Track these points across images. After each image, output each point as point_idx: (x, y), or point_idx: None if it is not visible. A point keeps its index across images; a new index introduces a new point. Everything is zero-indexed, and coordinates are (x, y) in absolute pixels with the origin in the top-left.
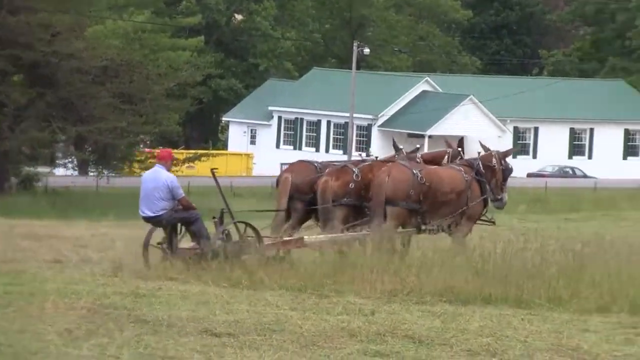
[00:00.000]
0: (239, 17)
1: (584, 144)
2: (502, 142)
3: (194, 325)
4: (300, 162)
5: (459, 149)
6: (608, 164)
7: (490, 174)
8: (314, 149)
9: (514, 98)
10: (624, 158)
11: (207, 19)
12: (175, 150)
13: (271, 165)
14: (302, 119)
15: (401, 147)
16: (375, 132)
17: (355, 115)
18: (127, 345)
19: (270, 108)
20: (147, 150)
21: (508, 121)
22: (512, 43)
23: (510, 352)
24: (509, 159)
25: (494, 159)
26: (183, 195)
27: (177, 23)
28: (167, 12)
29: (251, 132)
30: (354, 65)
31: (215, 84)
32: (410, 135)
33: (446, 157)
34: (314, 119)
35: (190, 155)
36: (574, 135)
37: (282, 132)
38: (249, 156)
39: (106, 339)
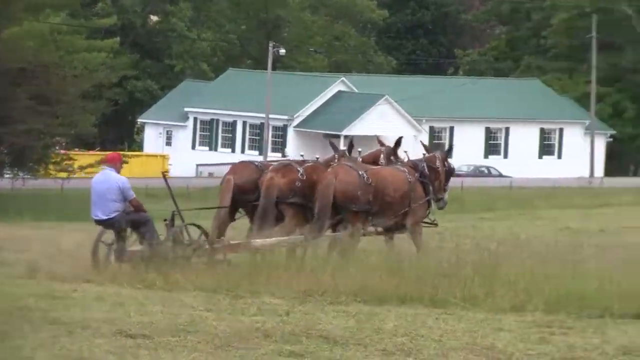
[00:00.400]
0: (154, 18)
1: (500, 143)
2: (418, 141)
3: (108, 327)
4: (242, 162)
5: (391, 147)
6: (524, 163)
7: (434, 175)
8: (229, 150)
9: (430, 98)
10: (540, 157)
11: (122, 20)
12: (91, 152)
13: (187, 166)
14: (217, 120)
15: (344, 148)
16: (291, 133)
17: (271, 115)
18: (42, 347)
19: (185, 109)
20: (62, 152)
21: (424, 121)
22: (428, 43)
23: (424, 351)
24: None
25: (437, 161)
26: (134, 196)
27: (92, 24)
28: (83, 13)
29: (167, 134)
30: (269, 65)
31: (131, 85)
32: (326, 136)
33: (382, 156)
34: (230, 119)
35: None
36: (490, 135)
37: (198, 133)
38: (164, 157)
39: (21, 341)
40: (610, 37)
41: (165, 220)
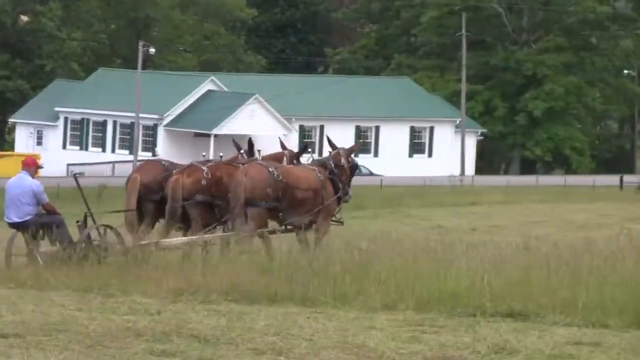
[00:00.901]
0: (24, 18)
1: (370, 142)
2: (288, 140)
3: None
4: (148, 162)
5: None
6: (394, 162)
7: (340, 172)
8: (100, 150)
9: (300, 96)
10: (410, 156)
11: None
12: None
13: (58, 166)
14: (88, 120)
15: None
16: (161, 132)
17: (141, 115)
18: None
19: (56, 109)
20: None
21: (293, 119)
22: (298, 41)
23: (296, 350)
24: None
25: (342, 158)
26: (47, 200)
27: None
28: None
29: (38, 133)
30: (139, 65)
31: (1, 85)
32: (196, 135)
33: (284, 158)
34: (100, 119)
35: None
36: (360, 133)
37: (69, 132)
38: (35, 157)
39: None
40: (481, 35)
41: (77, 222)
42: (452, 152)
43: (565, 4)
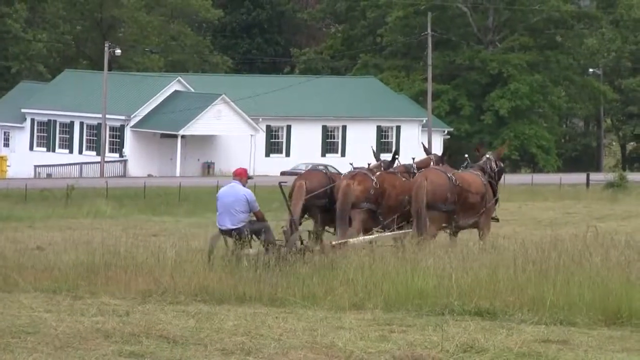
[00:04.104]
0: None
1: (337, 142)
2: (255, 140)
3: None
4: (311, 170)
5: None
6: (361, 161)
7: (497, 176)
8: (67, 151)
9: (266, 97)
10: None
11: None
12: None
13: (25, 167)
14: (55, 121)
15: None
16: (128, 133)
17: (108, 116)
18: None
19: (23, 110)
20: None
21: (260, 120)
22: (264, 42)
23: (264, 350)
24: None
25: (494, 163)
26: (259, 208)
27: None
28: None
29: (4, 135)
30: (105, 66)
31: None
32: (163, 136)
33: (431, 163)
34: (67, 120)
35: None
36: (327, 133)
37: (36, 134)
38: (2, 159)
39: None
40: (446, 34)
41: (283, 227)
42: (418, 151)
43: (530, 3)
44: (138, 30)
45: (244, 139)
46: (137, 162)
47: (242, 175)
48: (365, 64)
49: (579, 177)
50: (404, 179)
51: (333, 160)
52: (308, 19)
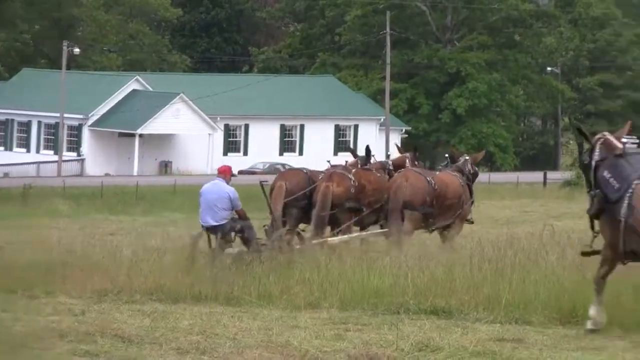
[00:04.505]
0: None
1: (295, 140)
2: (213, 139)
3: None
4: (292, 170)
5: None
6: (319, 160)
7: (472, 178)
8: (24, 150)
9: (224, 96)
10: (335, 154)
11: None
12: None
13: None
14: (12, 120)
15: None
16: (86, 132)
17: (66, 115)
18: None
19: None
20: None
21: (218, 119)
22: (222, 41)
23: (219, 349)
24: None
25: (470, 165)
26: (241, 206)
27: None
28: None
29: None
30: (63, 65)
31: None
32: (121, 135)
33: (407, 160)
34: (25, 119)
35: None
36: (285, 132)
37: None
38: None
39: None
40: (405, 33)
41: (264, 226)
42: (376, 150)
43: (489, 2)
44: (96, 29)
45: (201, 138)
46: (95, 161)
47: (226, 173)
48: (323, 62)
49: (536, 176)
50: (379, 174)
51: (291, 159)
52: (267, 17)
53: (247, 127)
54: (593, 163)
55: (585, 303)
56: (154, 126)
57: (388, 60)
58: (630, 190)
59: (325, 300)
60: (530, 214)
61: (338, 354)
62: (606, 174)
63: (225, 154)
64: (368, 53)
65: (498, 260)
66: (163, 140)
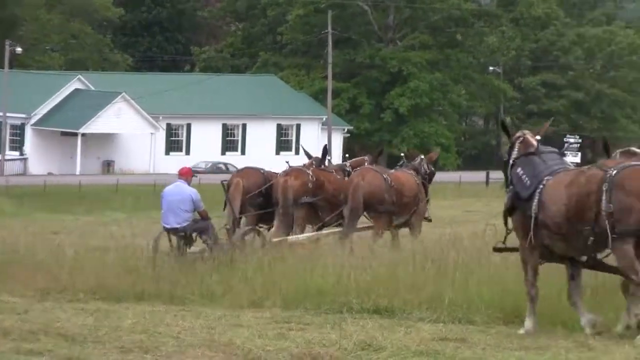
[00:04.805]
0: None
1: (237, 140)
2: (155, 139)
3: None
4: (248, 167)
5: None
6: (261, 159)
7: (428, 177)
8: None
9: (167, 95)
10: (277, 153)
11: None
12: None
13: None
14: None
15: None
16: (28, 131)
17: (8, 114)
18: None
19: None
20: None
21: (160, 118)
22: (164, 40)
23: (162, 348)
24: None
25: (426, 165)
26: (203, 207)
27: None
28: None
29: None
30: (6, 64)
31: None
32: (64, 134)
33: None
34: None
35: None
36: (227, 131)
37: None
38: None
39: None
40: (346, 32)
41: (225, 225)
42: (318, 149)
43: (431, 2)
44: (39, 28)
45: (144, 137)
46: (38, 160)
47: (187, 175)
48: (265, 62)
49: (479, 175)
50: (338, 176)
51: (233, 159)
52: (208, 17)
53: (189, 126)
54: (511, 161)
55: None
56: (96, 125)
57: (330, 60)
58: (541, 187)
59: (268, 300)
60: (473, 214)
61: (281, 353)
62: (519, 171)
63: (167, 153)
64: (310, 52)
65: (441, 259)
66: (105, 139)
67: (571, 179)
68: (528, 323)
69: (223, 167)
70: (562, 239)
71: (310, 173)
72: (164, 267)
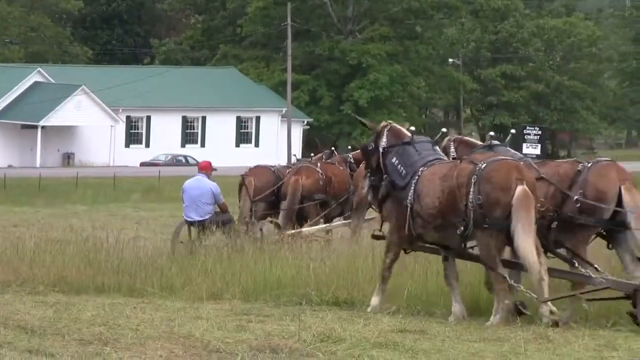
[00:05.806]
0: None
1: (197, 132)
2: (115, 131)
3: None
4: (259, 166)
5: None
6: (221, 152)
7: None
8: None
9: (126, 87)
10: (237, 145)
11: None
12: None
13: None
14: None
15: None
16: None
17: None
18: None
19: None
20: None
21: (120, 110)
22: (124, 32)
23: (122, 340)
24: None
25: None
26: (223, 200)
27: None
28: None
29: None
30: None
31: None
32: (24, 127)
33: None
34: None
35: None
36: (186, 124)
37: None
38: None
39: None
40: (306, 25)
41: (245, 217)
42: (278, 141)
43: None
44: None
45: (104, 130)
46: None
47: (207, 169)
48: (225, 54)
49: None
50: (341, 167)
51: (193, 151)
52: (168, 9)
53: (148, 118)
54: (381, 149)
55: (488, 295)
56: (56, 118)
57: (289, 52)
58: (417, 177)
59: (228, 292)
60: None
61: (240, 345)
62: (394, 160)
63: (127, 145)
64: (269, 45)
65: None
66: (65, 132)
67: (445, 171)
68: (375, 300)
69: (183, 159)
70: (435, 228)
71: (320, 171)
72: (124, 260)
